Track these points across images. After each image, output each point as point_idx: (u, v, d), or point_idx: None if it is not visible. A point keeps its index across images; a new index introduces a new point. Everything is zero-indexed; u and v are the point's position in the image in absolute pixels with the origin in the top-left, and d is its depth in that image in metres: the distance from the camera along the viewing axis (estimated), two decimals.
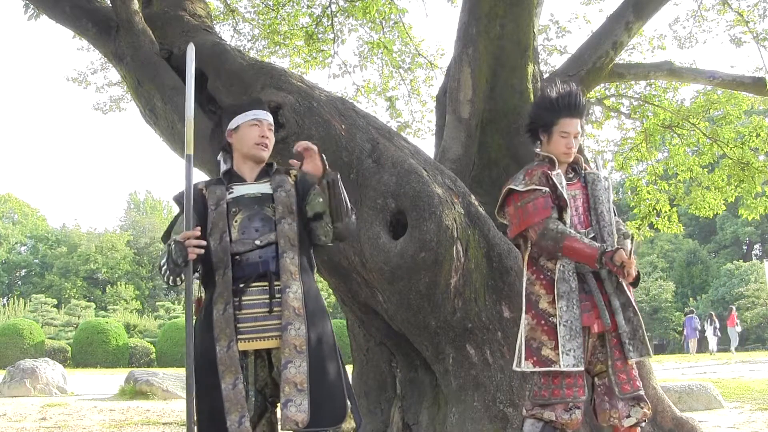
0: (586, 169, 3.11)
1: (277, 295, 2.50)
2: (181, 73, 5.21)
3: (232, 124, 2.72)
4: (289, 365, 2.41)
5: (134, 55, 5.24)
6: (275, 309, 2.49)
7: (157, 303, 37.74)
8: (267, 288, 2.51)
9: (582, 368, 2.82)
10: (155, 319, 32.53)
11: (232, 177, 2.70)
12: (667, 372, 12.12)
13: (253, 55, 8.65)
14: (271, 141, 2.73)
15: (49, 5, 5.85)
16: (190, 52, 2.74)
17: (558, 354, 2.80)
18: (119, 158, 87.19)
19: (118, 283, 41.40)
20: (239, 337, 2.48)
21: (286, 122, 3.82)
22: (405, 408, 4.25)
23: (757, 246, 46.11)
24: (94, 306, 34.64)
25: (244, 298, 2.50)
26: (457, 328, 3.88)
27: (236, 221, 2.58)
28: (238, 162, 2.72)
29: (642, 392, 2.90)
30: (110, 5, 5.46)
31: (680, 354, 24.45)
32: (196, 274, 2.62)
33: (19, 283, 45.37)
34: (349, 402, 2.51)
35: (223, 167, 2.75)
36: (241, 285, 2.50)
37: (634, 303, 2.91)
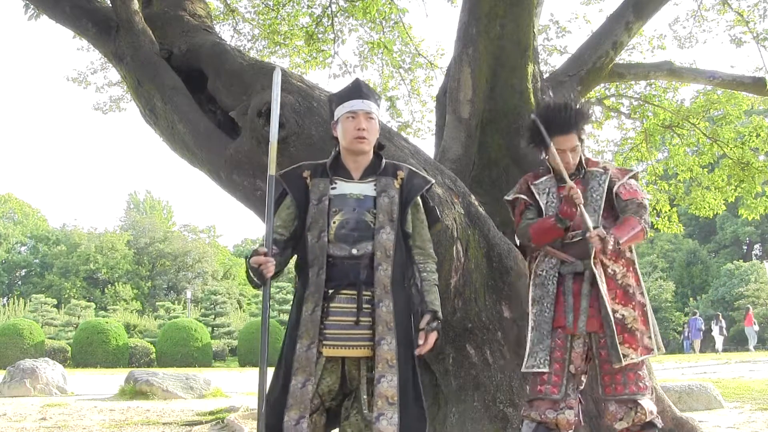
0: (587, 167, 3.09)
1: (366, 306, 2.51)
2: (181, 73, 5.22)
3: (335, 116, 2.67)
4: (382, 379, 2.46)
5: (134, 55, 5.24)
6: (362, 319, 2.50)
7: (157, 303, 37.73)
8: (355, 297, 2.52)
9: (545, 369, 2.87)
10: (155, 319, 32.53)
11: (338, 169, 2.66)
12: (667, 372, 12.11)
13: (253, 55, 8.65)
14: (372, 130, 2.63)
15: (49, 5, 5.85)
16: (277, 77, 2.69)
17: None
18: (119, 158, 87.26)
19: (118, 283, 41.39)
20: (325, 342, 2.50)
21: (286, 122, 3.82)
22: None
23: (757, 246, 46.11)
24: (94, 306, 34.63)
25: (332, 304, 2.52)
26: (457, 328, 3.88)
27: (334, 222, 2.56)
28: (344, 154, 2.67)
29: (638, 397, 2.86)
30: (110, 5, 5.46)
31: (680, 354, 24.48)
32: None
33: (19, 283, 45.36)
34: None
35: (331, 156, 2.70)
36: (331, 291, 2.51)
37: (609, 313, 2.87)
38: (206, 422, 6.47)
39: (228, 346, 29.39)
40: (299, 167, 2.67)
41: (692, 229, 42.06)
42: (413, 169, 2.77)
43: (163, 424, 6.60)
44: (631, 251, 3.01)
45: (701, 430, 4.35)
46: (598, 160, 3.17)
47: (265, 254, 2.49)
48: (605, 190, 2.99)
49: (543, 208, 3.00)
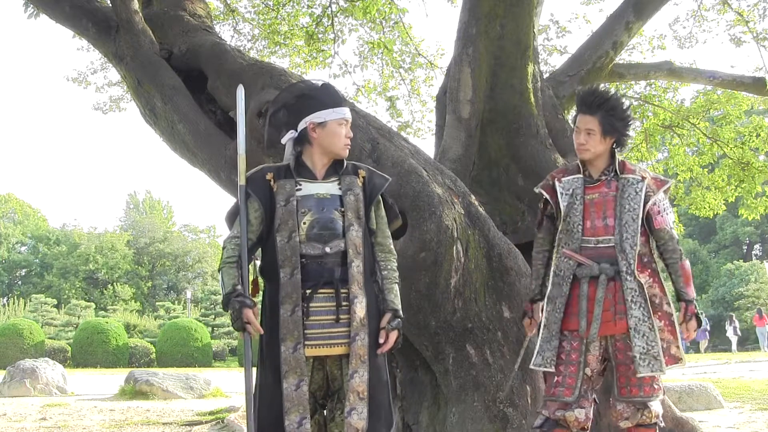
0: (623, 172, 2.98)
1: (344, 303, 2.54)
2: (181, 73, 5.23)
3: (317, 118, 2.63)
4: (354, 375, 2.50)
5: (134, 55, 5.24)
6: (342, 317, 2.54)
7: (157, 303, 37.73)
8: (333, 295, 2.54)
9: (550, 369, 2.88)
10: (155, 319, 32.52)
11: (301, 170, 2.66)
12: (667, 372, 12.09)
13: (253, 55, 8.65)
14: None
15: (49, 5, 5.85)
16: (240, 92, 2.72)
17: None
18: (119, 158, 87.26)
19: (118, 283, 41.38)
20: (307, 342, 2.51)
21: None
22: (405, 408, 4.25)
23: (757, 246, 46.12)
24: (94, 306, 34.61)
25: (311, 304, 2.53)
26: (457, 328, 3.88)
27: (304, 223, 2.58)
28: (315, 156, 2.66)
29: (649, 401, 2.87)
30: (110, 5, 5.46)
31: None
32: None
33: (19, 283, 45.35)
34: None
35: (290, 154, 2.68)
36: (308, 291, 2.53)
37: (651, 318, 2.87)
38: (206, 422, 6.47)
39: (228, 346, 29.39)
40: (261, 170, 2.67)
41: (692, 229, 42.02)
42: (371, 168, 2.81)
43: (163, 424, 6.60)
44: (655, 262, 3.00)
45: (701, 430, 4.36)
46: (634, 167, 3.08)
47: (252, 307, 2.51)
48: (642, 199, 2.92)
49: (563, 210, 2.95)
